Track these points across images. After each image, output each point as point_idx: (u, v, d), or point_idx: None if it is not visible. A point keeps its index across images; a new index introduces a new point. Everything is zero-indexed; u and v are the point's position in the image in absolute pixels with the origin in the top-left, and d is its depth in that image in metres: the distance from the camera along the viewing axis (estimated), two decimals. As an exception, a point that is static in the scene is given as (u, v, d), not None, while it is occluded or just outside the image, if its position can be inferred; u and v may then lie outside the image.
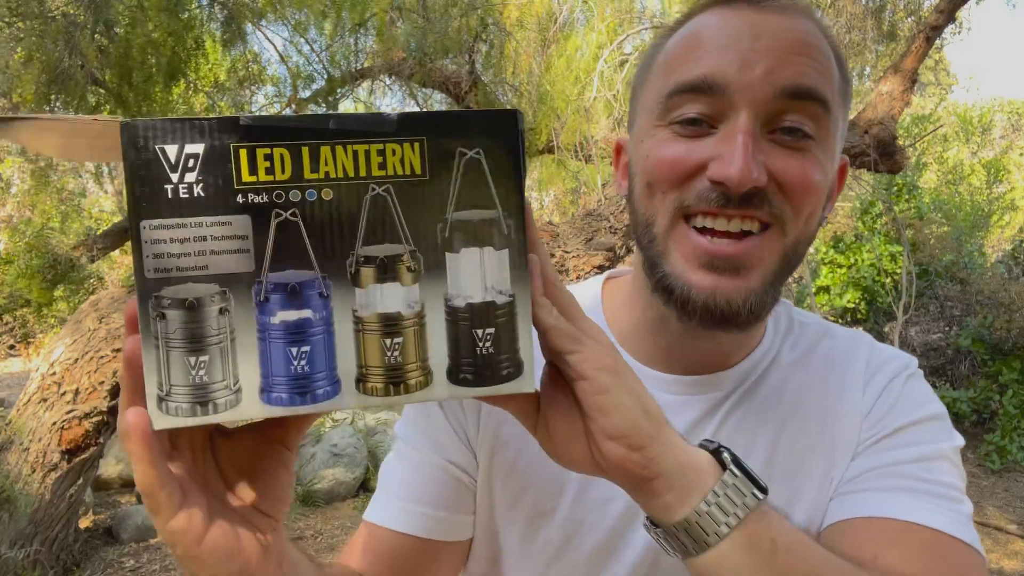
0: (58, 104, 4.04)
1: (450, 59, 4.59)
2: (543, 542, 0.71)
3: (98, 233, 5.16)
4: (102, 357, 3.37)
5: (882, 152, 4.25)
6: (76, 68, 3.59)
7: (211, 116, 0.42)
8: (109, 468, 5.08)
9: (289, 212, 0.41)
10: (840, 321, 6.57)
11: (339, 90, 4.84)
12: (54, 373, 3.42)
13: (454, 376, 0.45)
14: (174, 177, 0.40)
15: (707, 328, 0.62)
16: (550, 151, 4.71)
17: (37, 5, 3.63)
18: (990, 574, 3.98)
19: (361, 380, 0.44)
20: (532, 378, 0.46)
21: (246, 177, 0.41)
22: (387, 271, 0.43)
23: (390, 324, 0.43)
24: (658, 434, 0.49)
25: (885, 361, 0.72)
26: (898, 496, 0.63)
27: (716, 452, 0.52)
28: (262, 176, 0.41)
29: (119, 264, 8.72)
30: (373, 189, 0.42)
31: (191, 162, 0.40)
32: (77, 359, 3.39)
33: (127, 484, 5.18)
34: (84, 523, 4.19)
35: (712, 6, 0.64)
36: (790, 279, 0.71)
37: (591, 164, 4.45)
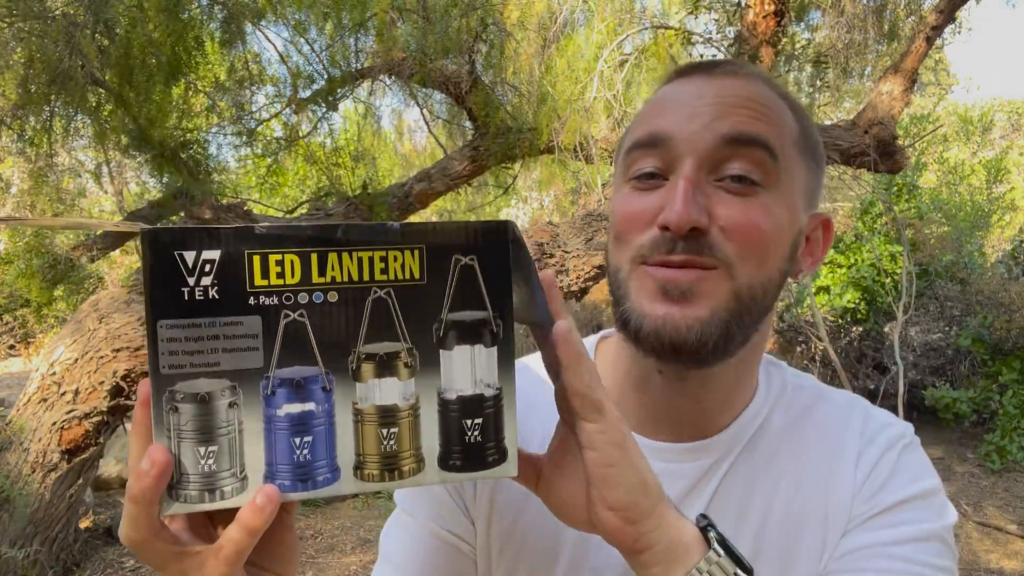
0: (58, 104, 4.03)
1: (450, 59, 4.59)
2: None
3: (98, 233, 5.16)
4: (102, 357, 3.38)
5: (882, 152, 4.25)
6: (76, 68, 3.59)
7: (228, 226, 0.44)
8: (109, 468, 5.08)
9: (297, 313, 0.45)
10: (840, 321, 6.57)
11: (339, 90, 4.84)
12: (54, 373, 3.42)
13: (444, 463, 0.49)
14: (191, 281, 0.44)
15: (663, 360, 0.65)
16: (550, 151, 4.71)
17: (37, 5, 3.62)
18: (990, 574, 3.98)
19: (359, 467, 0.48)
20: (515, 463, 0.51)
21: (258, 281, 0.45)
22: (386, 367, 0.47)
23: (387, 416, 0.48)
24: (652, 510, 0.52)
25: (878, 431, 0.71)
26: None
27: (704, 530, 0.54)
28: (273, 280, 0.45)
29: (119, 264, 8.72)
30: (375, 292, 0.46)
31: (207, 267, 0.44)
32: (77, 359, 3.39)
33: (127, 484, 5.18)
34: (84, 523, 4.19)
35: (675, 77, 0.70)
36: (790, 280, 0.70)
37: (591, 164, 4.45)
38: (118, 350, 3.38)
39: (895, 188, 6.76)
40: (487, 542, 0.72)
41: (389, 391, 0.48)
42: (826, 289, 6.64)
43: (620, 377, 0.73)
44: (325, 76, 4.81)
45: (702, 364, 0.64)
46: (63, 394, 3.37)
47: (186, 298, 0.44)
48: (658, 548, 0.52)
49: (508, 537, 0.71)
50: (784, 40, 4.09)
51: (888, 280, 6.05)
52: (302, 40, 4.85)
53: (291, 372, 0.46)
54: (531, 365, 0.76)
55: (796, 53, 5.20)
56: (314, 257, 0.45)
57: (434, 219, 8.09)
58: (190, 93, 4.75)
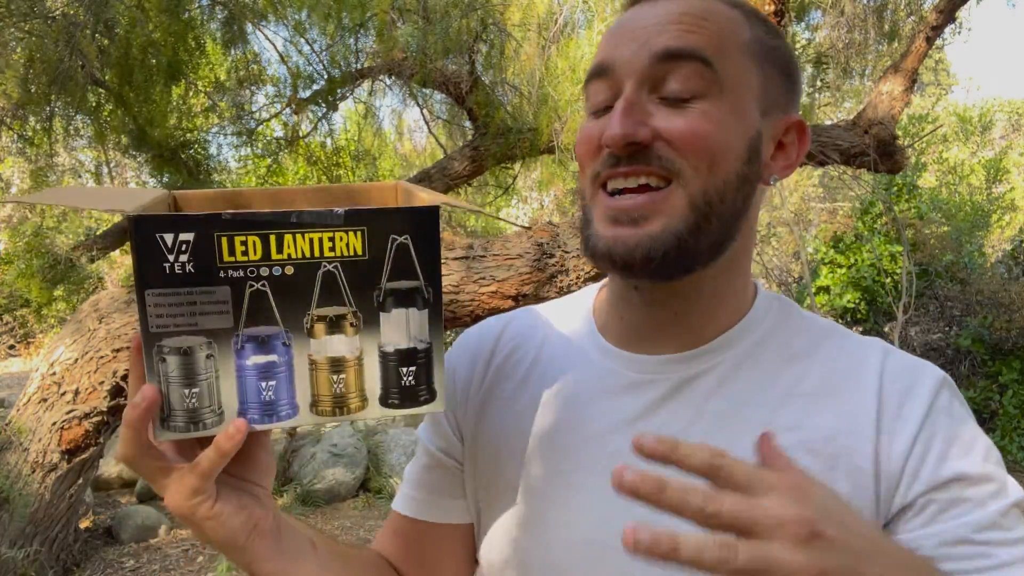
0: (58, 104, 4.03)
1: (450, 59, 4.59)
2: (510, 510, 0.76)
3: (98, 233, 5.16)
4: (102, 357, 3.38)
5: (882, 152, 4.25)
6: (76, 68, 3.59)
7: (199, 213, 0.54)
8: (109, 468, 5.08)
9: (260, 284, 0.55)
10: (840, 321, 6.57)
11: (339, 90, 4.84)
12: (54, 373, 3.42)
13: (384, 401, 0.60)
14: (171, 257, 0.53)
15: (618, 274, 0.69)
16: (550, 151, 4.71)
17: (38, 5, 3.62)
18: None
19: (314, 405, 0.59)
20: (442, 400, 0.62)
21: (227, 257, 0.54)
22: (335, 326, 0.57)
23: (336, 365, 0.58)
24: None
25: (905, 373, 0.67)
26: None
27: None
28: (239, 257, 0.54)
29: (119, 264, 8.73)
30: (324, 266, 0.56)
31: (184, 246, 0.53)
32: (77, 359, 3.39)
33: (127, 484, 5.18)
34: (84, 523, 4.19)
35: (628, 6, 0.72)
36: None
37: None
38: (118, 350, 3.38)
39: (895, 188, 6.76)
40: (473, 457, 0.79)
41: (338, 345, 0.58)
42: (826, 289, 6.64)
43: (607, 299, 0.77)
44: (325, 76, 4.81)
45: (659, 277, 0.66)
46: (63, 394, 3.37)
47: (167, 271, 0.53)
48: None
49: (489, 450, 0.78)
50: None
51: (888, 280, 6.05)
52: (302, 40, 4.85)
53: (257, 331, 0.56)
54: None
55: (796, 53, 5.20)
56: (272, 238, 0.55)
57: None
58: (190, 93, 4.75)
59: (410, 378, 0.60)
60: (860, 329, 6.65)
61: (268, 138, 5.30)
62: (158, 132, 4.07)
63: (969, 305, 6.32)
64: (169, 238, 0.53)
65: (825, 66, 4.73)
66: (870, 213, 6.80)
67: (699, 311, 0.70)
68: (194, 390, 0.55)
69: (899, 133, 4.43)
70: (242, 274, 0.55)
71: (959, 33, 5.39)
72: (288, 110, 4.96)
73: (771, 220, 8.71)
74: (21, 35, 3.71)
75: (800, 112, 0.73)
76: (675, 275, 0.66)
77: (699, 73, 0.64)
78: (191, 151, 4.47)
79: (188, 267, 0.53)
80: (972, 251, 6.85)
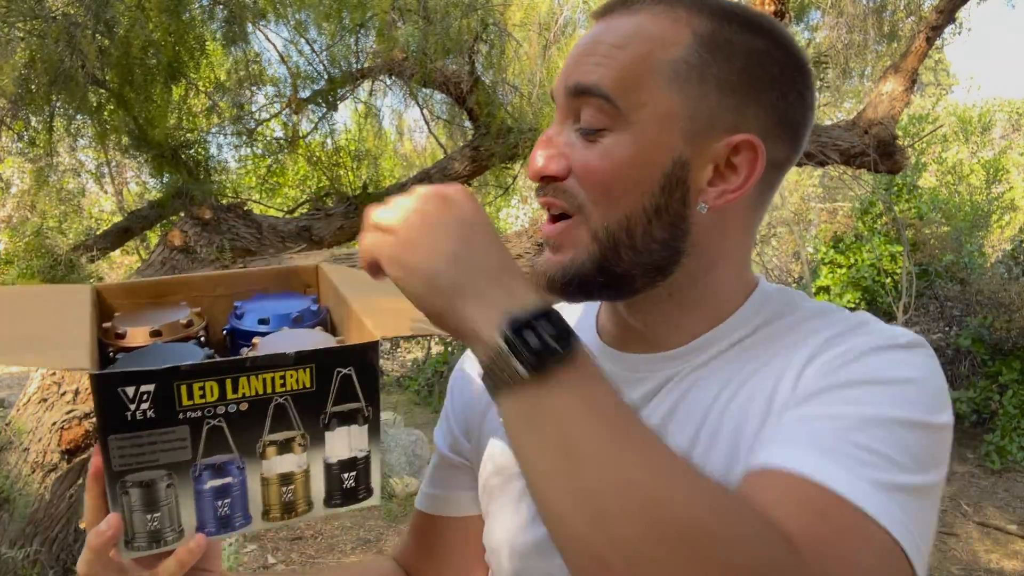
0: (59, 105, 4.03)
1: (451, 59, 4.59)
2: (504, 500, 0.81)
3: (98, 233, 5.16)
4: (102, 357, 3.38)
5: (882, 152, 4.25)
6: (77, 68, 3.59)
7: (160, 367, 0.58)
8: (109, 468, 5.08)
9: (216, 420, 0.61)
10: (840, 321, 6.57)
11: (339, 90, 4.83)
12: (54, 373, 3.42)
13: (328, 502, 0.68)
14: (132, 407, 0.57)
15: (562, 298, 0.72)
16: (550, 151, 4.70)
17: (38, 5, 3.62)
18: (990, 574, 3.98)
19: (266, 513, 0.66)
20: (378, 496, 0.70)
21: (185, 402, 0.59)
22: (284, 448, 0.64)
23: (286, 479, 0.65)
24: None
25: (862, 327, 0.66)
26: (801, 452, 0.55)
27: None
28: (196, 400, 0.59)
29: (119, 264, 8.72)
30: (276, 400, 0.62)
31: (145, 396, 0.58)
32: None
33: (127, 484, 5.17)
34: (84, 523, 4.19)
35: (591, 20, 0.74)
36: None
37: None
38: (118, 350, 3.38)
39: (895, 188, 6.76)
40: (477, 453, 0.85)
41: (287, 463, 0.65)
42: (826, 289, 6.64)
43: (600, 307, 0.83)
44: (325, 76, 4.81)
45: (580, 299, 0.71)
46: (63, 394, 3.37)
47: (129, 419, 0.58)
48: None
49: (488, 445, 0.84)
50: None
51: (888, 280, 6.05)
52: (302, 40, 4.84)
53: (213, 459, 0.62)
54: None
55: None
56: (228, 382, 0.60)
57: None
58: (190, 93, 4.75)
59: (351, 482, 0.68)
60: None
61: (268, 138, 5.30)
62: (158, 132, 4.07)
63: (969, 305, 6.32)
64: (131, 391, 0.57)
65: (825, 66, 4.73)
66: (870, 213, 6.80)
67: (663, 322, 0.73)
68: (155, 515, 0.61)
69: (899, 133, 4.43)
70: (200, 414, 0.60)
71: (959, 33, 5.40)
72: (288, 110, 4.96)
73: (771, 220, 8.71)
74: (22, 35, 3.71)
75: (760, 127, 0.67)
76: (601, 297, 0.73)
77: (602, 109, 0.65)
78: (191, 151, 4.47)
79: (149, 413, 0.58)
80: (972, 251, 6.85)
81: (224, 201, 4.29)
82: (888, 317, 6.45)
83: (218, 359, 0.62)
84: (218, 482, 0.62)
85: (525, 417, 0.52)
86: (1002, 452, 5.38)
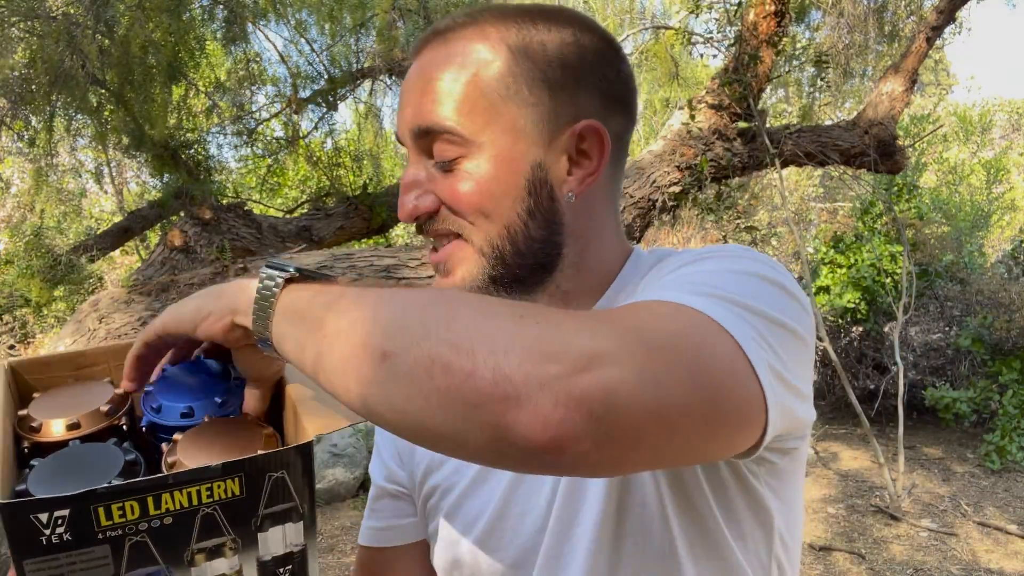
0: (59, 104, 4.03)
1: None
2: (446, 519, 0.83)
3: (98, 233, 5.16)
4: (102, 357, 3.37)
5: (882, 152, 4.26)
6: (77, 68, 3.59)
7: (75, 492, 0.55)
8: (109, 468, 5.08)
9: (139, 537, 0.57)
10: (840, 321, 6.58)
11: (339, 90, 4.84)
12: (54, 373, 3.41)
13: None
14: (47, 532, 0.54)
15: None
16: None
17: (38, 5, 3.62)
18: (990, 574, 3.98)
19: None
20: None
21: (104, 522, 0.56)
22: (214, 554, 0.61)
23: None
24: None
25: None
26: (655, 293, 0.58)
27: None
28: (116, 519, 0.56)
29: (119, 264, 8.72)
30: (203, 511, 0.59)
31: (60, 520, 0.54)
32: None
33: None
34: None
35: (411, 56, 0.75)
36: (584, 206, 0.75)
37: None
38: (118, 350, 3.37)
39: (895, 188, 6.76)
40: (411, 481, 0.87)
41: (218, 567, 0.62)
42: (826, 289, 6.64)
43: None
44: (325, 76, 4.81)
45: None
46: (63, 394, 3.36)
47: (44, 543, 0.54)
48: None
49: (424, 478, 0.85)
50: (785, 40, 4.09)
51: (888, 280, 6.05)
52: (302, 40, 4.85)
53: (137, 572, 0.58)
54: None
55: (797, 53, 5.20)
56: (150, 499, 0.57)
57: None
58: (190, 93, 4.75)
59: (287, 575, 0.66)
60: (860, 329, 6.66)
61: (268, 138, 5.30)
62: (158, 132, 4.07)
63: (969, 305, 6.32)
64: (44, 517, 0.54)
65: (825, 66, 4.73)
66: (870, 213, 6.80)
67: (563, 305, 0.76)
68: None
69: (899, 133, 4.43)
70: (121, 532, 0.57)
71: (959, 33, 5.40)
72: (288, 110, 4.96)
73: (771, 220, 8.71)
74: (22, 35, 3.71)
75: (596, 111, 0.71)
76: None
77: (449, 141, 0.68)
78: (191, 151, 4.47)
79: (65, 536, 0.55)
80: (972, 251, 6.85)
81: (224, 201, 4.29)
82: (888, 317, 6.46)
83: (137, 480, 0.59)
84: None
85: (289, 322, 0.58)
86: (1002, 452, 5.38)
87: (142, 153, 4.28)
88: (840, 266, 6.66)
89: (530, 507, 0.75)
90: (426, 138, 0.69)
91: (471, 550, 0.78)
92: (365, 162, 5.56)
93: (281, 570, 0.65)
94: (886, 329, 6.58)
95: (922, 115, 9.31)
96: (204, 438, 0.67)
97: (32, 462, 0.64)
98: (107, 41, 3.75)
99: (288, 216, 5.08)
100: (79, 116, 4.25)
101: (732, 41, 4.18)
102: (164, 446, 0.67)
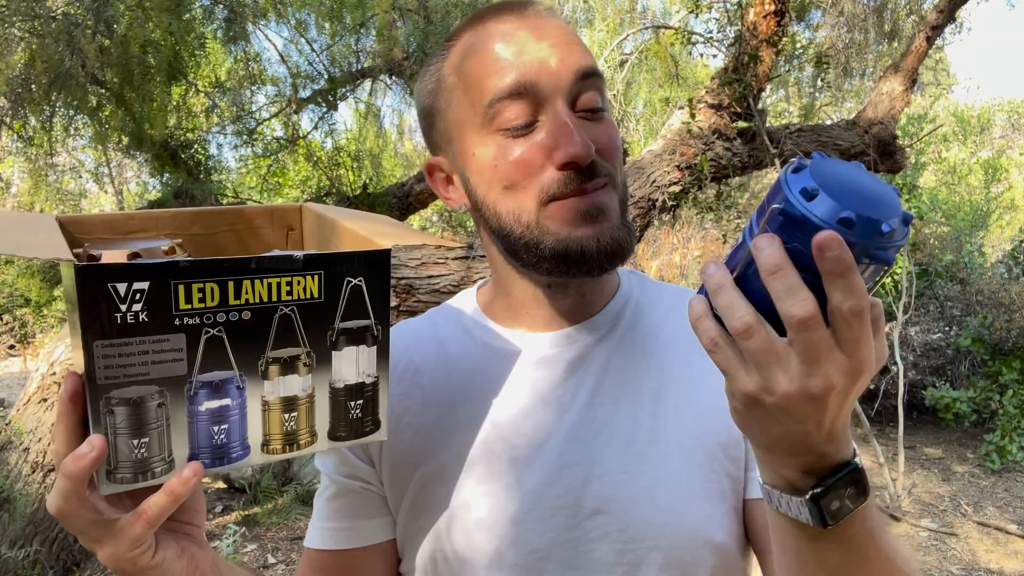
0: (58, 104, 4.03)
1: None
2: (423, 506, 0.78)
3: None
4: (102, 357, 3.37)
5: (882, 152, 4.26)
6: (76, 68, 3.59)
7: (155, 260, 0.52)
8: (109, 468, 5.08)
9: (216, 330, 0.54)
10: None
11: (339, 90, 4.83)
12: (54, 373, 3.42)
13: (333, 435, 0.62)
14: (123, 307, 0.50)
15: (604, 271, 0.72)
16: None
17: (38, 4, 3.62)
18: (990, 574, 3.99)
19: (265, 444, 0.59)
20: (385, 429, 0.65)
21: (183, 305, 0.52)
22: (288, 367, 0.58)
23: (289, 404, 0.59)
24: None
25: None
26: None
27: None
28: (195, 304, 0.53)
29: (119, 264, 8.71)
30: (281, 309, 0.56)
31: (138, 296, 0.50)
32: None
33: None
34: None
35: (478, 24, 0.74)
36: None
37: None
38: (118, 350, 3.37)
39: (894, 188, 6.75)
40: (388, 474, 0.80)
41: (291, 385, 0.58)
42: (826, 289, 6.63)
43: (507, 304, 0.81)
44: (325, 76, 4.81)
45: (626, 259, 0.73)
46: (63, 394, 3.37)
47: (119, 322, 0.50)
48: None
49: (393, 461, 0.79)
50: (784, 40, 4.09)
51: (888, 280, 6.05)
52: (302, 40, 4.84)
53: (210, 376, 0.55)
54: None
55: (797, 53, 5.20)
56: (231, 284, 0.54)
57: (434, 219, 8.09)
58: (190, 93, 4.74)
59: (357, 411, 0.62)
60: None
61: (268, 138, 5.30)
62: (158, 132, 4.06)
63: (969, 305, 6.32)
64: (123, 288, 0.50)
65: (825, 66, 4.73)
66: (870, 213, 6.78)
67: (598, 290, 0.79)
68: (143, 440, 0.53)
69: (899, 133, 4.43)
70: (198, 321, 0.53)
71: (959, 33, 5.40)
72: (288, 109, 4.96)
73: (771, 220, 8.70)
74: (21, 35, 3.71)
75: None
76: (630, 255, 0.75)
77: (601, 89, 0.73)
78: (191, 151, 4.47)
79: (142, 316, 0.51)
80: (972, 251, 6.85)
81: (224, 201, 4.29)
82: (888, 317, 6.45)
83: (220, 258, 0.54)
84: (215, 403, 0.55)
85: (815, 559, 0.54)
86: (1002, 452, 5.38)
87: (142, 153, 4.28)
88: (840, 266, 6.64)
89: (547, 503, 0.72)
90: (584, 81, 0.70)
91: (469, 540, 0.74)
92: (365, 162, 5.56)
93: (352, 404, 0.62)
94: (886, 329, 6.58)
95: (922, 115, 9.31)
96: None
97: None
98: (107, 41, 3.75)
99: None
100: (78, 116, 4.25)
101: (732, 41, 4.18)
102: None
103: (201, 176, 4.33)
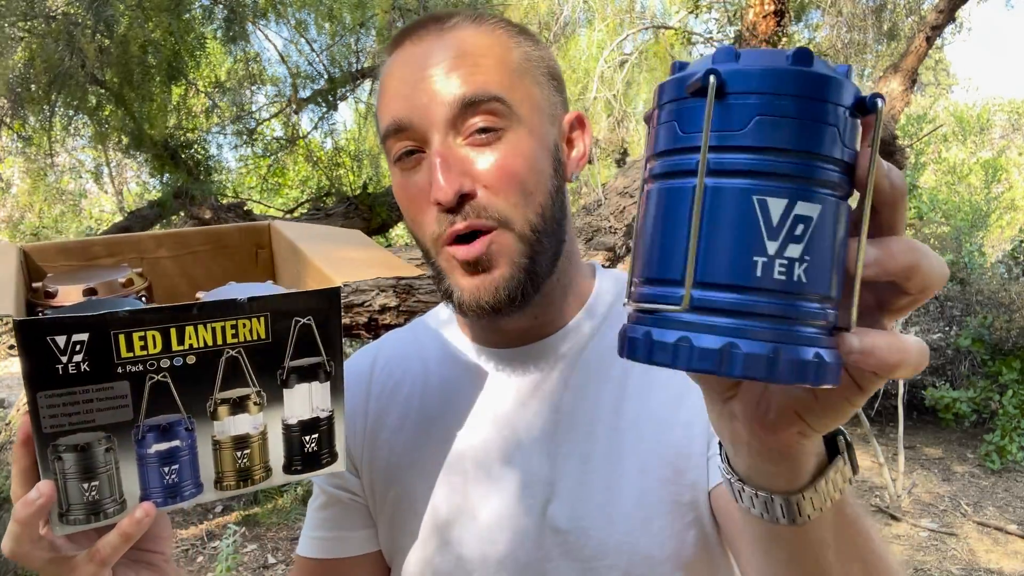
0: (58, 104, 4.03)
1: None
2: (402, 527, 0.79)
3: (97, 233, 5.16)
4: (102, 357, 3.37)
5: (881, 151, 4.25)
6: (76, 68, 3.59)
7: (95, 313, 0.51)
8: (109, 468, 5.08)
9: (160, 375, 0.54)
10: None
11: (339, 90, 4.83)
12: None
13: (288, 468, 0.62)
14: (63, 359, 0.51)
15: (487, 320, 0.71)
16: (550, 151, 4.70)
17: (38, 4, 3.62)
18: (990, 574, 3.99)
19: (219, 481, 0.59)
20: (343, 460, 0.64)
21: (124, 353, 0.52)
22: (238, 407, 0.57)
23: (240, 442, 0.59)
24: None
25: None
26: None
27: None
28: (137, 352, 0.53)
29: (119, 264, 8.71)
30: (227, 352, 0.56)
31: (78, 347, 0.51)
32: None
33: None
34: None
35: (395, 45, 0.73)
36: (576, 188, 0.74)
37: (591, 164, 4.46)
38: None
39: (895, 188, 6.75)
40: (370, 484, 0.81)
41: (242, 424, 0.58)
42: (826, 289, 6.63)
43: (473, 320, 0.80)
44: (325, 76, 4.81)
45: (523, 307, 0.70)
46: (63, 394, 3.37)
47: (60, 373, 0.51)
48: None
49: (377, 471, 0.81)
50: (784, 40, 4.08)
51: (888, 280, 6.04)
52: (302, 40, 4.84)
53: (157, 420, 0.55)
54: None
55: (796, 53, 5.19)
56: (173, 331, 0.53)
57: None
58: (190, 93, 4.74)
59: (313, 445, 0.62)
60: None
61: (268, 138, 5.30)
62: (158, 132, 4.06)
63: (969, 305, 6.32)
64: (61, 340, 0.50)
65: (825, 66, 4.72)
66: (870, 213, 6.79)
67: (554, 307, 0.76)
68: (93, 483, 0.54)
69: (899, 133, 4.43)
70: (141, 368, 0.53)
71: (959, 33, 5.40)
72: (288, 109, 4.95)
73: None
74: (21, 34, 3.71)
75: (569, 106, 0.78)
76: (532, 300, 0.70)
77: (496, 111, 0.67)
78: (191, 151, 4.47)
79: (83, 366, 0.51)
80: (972, 251, 6.85)
81: (224, 201, 4.29)
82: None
83: (160, 306, 0.54)
84: (164, 446, 0.55)
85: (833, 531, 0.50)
86: (1002, 452, 5.38)
87: (142, 153, 4.28)
88: (840, 266, 6.65)
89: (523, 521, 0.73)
90: (467, 109, 0.66)
91: (442, 558, 0.75)
92: (365, 162, 5.56)
93: (307, 438, 0.61)
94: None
95: (921, 115, 9.31)
96: (226, 294, 0.62)
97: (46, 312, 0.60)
98: (106, 40, 3.75)
99: (288, 216, 5.08)
100: (78, 116, 4.25)
101: (732, 41, 4.18)
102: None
103: (201, 176, 4.33)
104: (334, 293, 0.59)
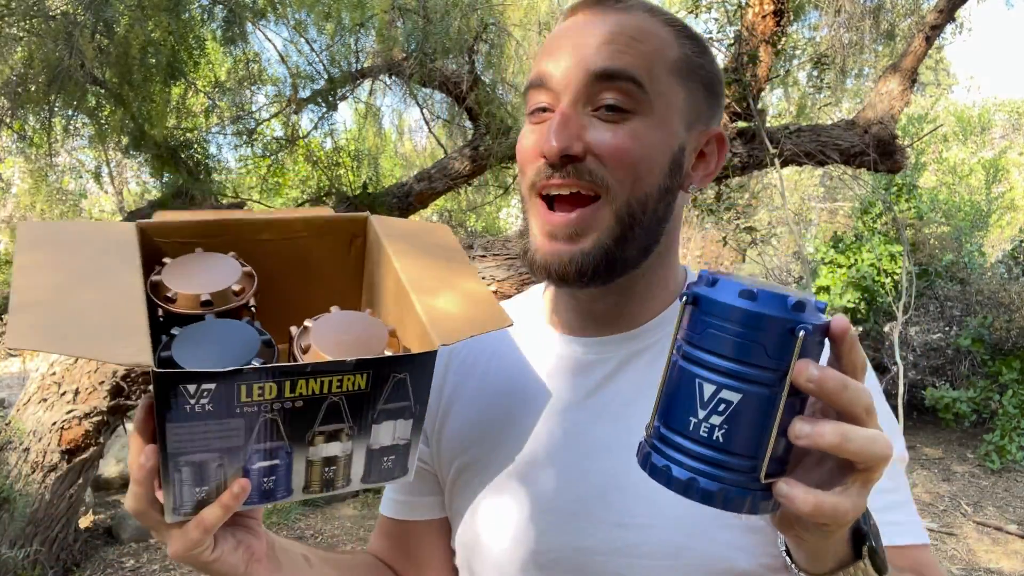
0: (58, 104, 4.03)
1: (451, 59, 4.58)
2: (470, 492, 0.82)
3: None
4: (102, 357, 3.37)
5: (882, 152, 4.25)
6: (76, 68, 3.59)
7: (225, 369, 0.60)
8: (109, 468, 5.08)
9: (271, 415, 0.63)
10: (840, 321, 6.56)
11: (339, 90, 4.83)
12: (54, 373, 3.42)
13: (365, 479, 0.70)
14: (192, 401, 0.59)
15: (553, 285, 0.76)
16: (550, 151, 4.70)
17: (37, 4, 3.62)
18: (990, 574, 3.99)
19: (306, 488, 0.68)
20: (412, 472, 0.72)
21: (243, 399, 0.61)
22: (332, 438, 0.66)
23: (329, 461, 0.67)
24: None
25: None
26: (899, 517, 0.72)
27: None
28: (255, 398, 0.61)
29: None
30: (330, 399, 0.64)
31: (205, 393, 0.59)
32: (77, 359, 3.39)
33: (127, 484, 5.17)
34: (84, 523, 4.19)
35: (567, 16, 0.77)
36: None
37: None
38: (118, 350, 3.37)
39: (895, 188, 6.76)
40: (438, 459, 0.86)
41: (332, 449, 0.67)
42: (826, 289, 6.64)
43: (553, 295, 0.85)
44: (325, 76, 4.81)
45: (591, 286, 0.73)
46: (63, 394, 3.37)
47: (187, 411, 0.59)
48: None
49: (452, 447, 0.85)
50: (784, 40, 4.09)
51: (888, 280, 6.05)
52: (302, 40, 4.84)
53: (263, 446, 0.64)
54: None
55: (796, 53, 5.20)
56: (287, 383, 0.62)
57: (435, 218, 8.11)
58: (190, 93, 4.74)
59: (389, 463, 0.70)
60: (860, 329, 6.65)
61: (268, 138, 5.30)
62: (158, 132, 4.06)
63: (969, 305, 6.32)
64: (192, 388, 0.58)
65: (824, 66, 4.73)
66: (870, 213, 6.80)
67: (635, 302, 0.78)
68: (204, 488, 0.63)
69: (899, 133, 4.43)
70: (256, 410, 0.62)
71: (959, 33, 5.40)
72: (288, 109, 4.96)
73: (771, 220, 8.71)
74: (21, 34, 3.71)
75: (720, 124, 0.80)
76: (605, 282, 0.73)
77: (630, 92, 0.70)
78: (191, 151, 4.47)
79: (208, 407, 0.60)
80: (972, 251, 6.85)
81: (224, 201, 4.29)
82: (888, 317, 6.45)
83: (281, 364, 0.63)
84: (266, 464, 0.64)
85: None
86: (1002, 452, 5.38)
87: (142, 153, 4.28)
88: (840, 266, 6.66)
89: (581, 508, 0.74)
90: (603, 82, 0.69)
91: (488, 532, 0.78)
92: (365, 162, 5.56)
93: (386, 458, 0.70)
94: (886, 329, 6.58)
95: (921, 115, 9.30)
96: (331, 326, 0.70)
97: (172, 331, 0.66)
98: (106, 40, 3.75)
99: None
100: (78, 116, 4.25)
101: (731, 41, 4.18)
102: (293, 329, 0.71)
103: (201, 176, 4.33)
104: (431, 357, 0.66)
